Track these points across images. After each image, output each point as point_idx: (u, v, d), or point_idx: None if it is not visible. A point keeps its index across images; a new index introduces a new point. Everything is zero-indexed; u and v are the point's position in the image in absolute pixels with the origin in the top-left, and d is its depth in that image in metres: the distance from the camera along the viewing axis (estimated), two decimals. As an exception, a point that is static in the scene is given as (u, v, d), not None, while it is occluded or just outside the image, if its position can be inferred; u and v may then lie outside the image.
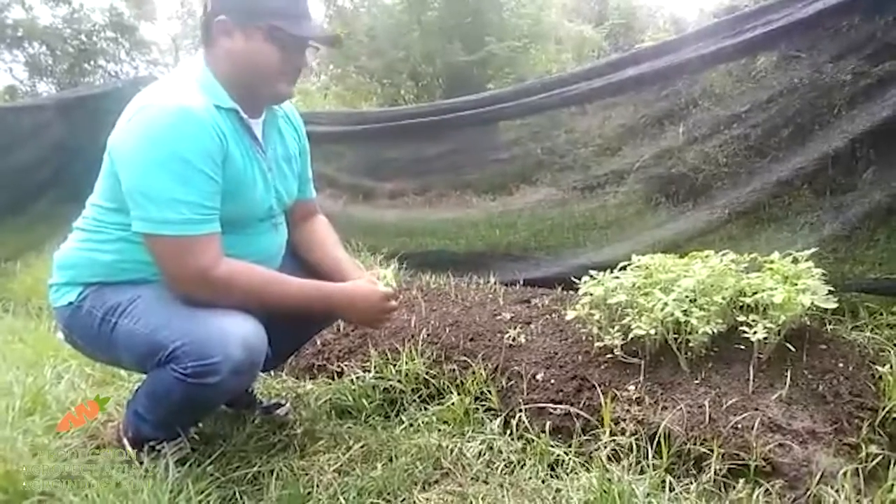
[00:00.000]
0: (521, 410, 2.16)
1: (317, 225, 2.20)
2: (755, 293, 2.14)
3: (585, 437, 2.03)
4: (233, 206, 1.80)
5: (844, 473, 1.70)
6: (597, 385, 2.12)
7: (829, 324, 2.42)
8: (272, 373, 2.64)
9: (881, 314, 2.53)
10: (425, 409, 2.33)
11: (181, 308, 1.74)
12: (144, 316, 1.76)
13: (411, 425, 2.23)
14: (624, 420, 2.00)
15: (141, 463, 1.82)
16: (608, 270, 2.41)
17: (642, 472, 1.82)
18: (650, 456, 1.85)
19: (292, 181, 2.07)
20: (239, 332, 1.69)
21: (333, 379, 2.62)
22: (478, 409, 2.25)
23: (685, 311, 2.09)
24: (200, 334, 1.67)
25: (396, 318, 2.67)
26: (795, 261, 2.25)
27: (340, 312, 1.98)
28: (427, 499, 1.81)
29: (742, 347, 2.12)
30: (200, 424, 2.09)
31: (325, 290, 1.90)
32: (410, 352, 2.49)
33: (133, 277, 1.82)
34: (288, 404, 2.35)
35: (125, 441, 1.90)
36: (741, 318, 2.10)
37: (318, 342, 2.79)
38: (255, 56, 1.79)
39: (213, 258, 1.71)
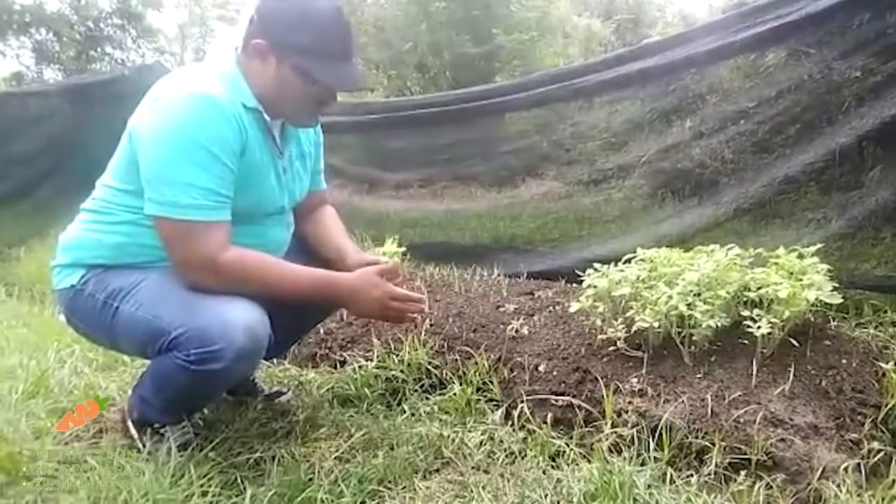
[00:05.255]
0: (522, 401, 2.16)
1: (324, 215, 2.20)
2: (760, 288, 2.14)
3: (587, 429, 2.03)
4: (245, 200, 1.80)
5: (846, 469, 1.70)
6: (599, 377, 2.12)
7: (834, 320, 2.41)
8: (275, 361, 2.65)
9: (885, 311, 2.53)
10: (427, 398, 2.34)
11: (184, 294, 1.73)
12: (146, 301, 1.76)
13: (413, 415, 2.23)
14: (626, 412, 2.00)
15: (144, 446, 1.83)
16: (613, 264, 2.41)
17: (643, 463, 1.82)
18: (651, 448, 1.86)
19: (305, 180, 2.08)
20: (241, 319, 1.68)
21: (336, 368, 2.62)
22: (480, 399, 2.26)
23: (689, 304, 2.09)
24: (203, 321, 1.67)
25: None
26: (801, 256, 2.25)
27: (344, 302, 1.94)
28: (427, 487, 1.81)
29: (745, 342, 2.12)
30: (205, 410, 2.10)
31: (329, 278, 1.88)
32: (413, 342, 2.50)
33: (137, 261, 1.82)
34: (290, 392, 2.35)
35: (129, 424, 1.91)
36: (745, 313, 2.10)
37: (322, 331, 2.79)
38: (283, 85, 1.80)
39: (220, 244, 1.71)
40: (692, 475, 1.78)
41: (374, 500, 1.75)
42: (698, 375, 2.04)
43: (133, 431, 1.88)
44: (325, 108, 1.89)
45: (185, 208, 1.67)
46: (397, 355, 2.47)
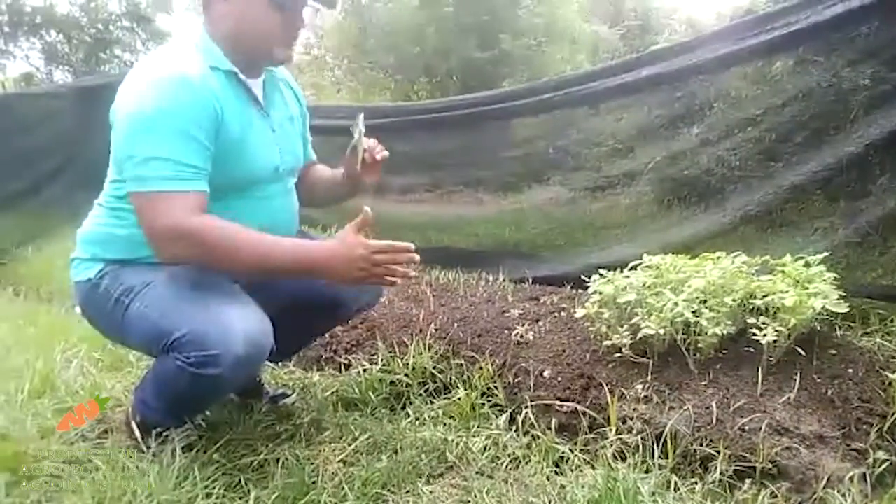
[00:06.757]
0: (527, 407, 2.16)
1: (314, 167, 2.25)
2: (766, 296, 2.14)
3: (591, 436, 2.02)
4: (236, 167, 1.80)
5: (851, 478, 1.70)
6: (604, 383, 2.11)
7: (840, 329, 2.40)
8: (279, 364, 2.65)
9: (892, 321, 2.51)
10: (431, 403, 2.34)
11: (191, 295, 1.73)
12: (155, 301, 1.76)
13: (417, 419, 2.23)
14: (630, 419, 1.99)
15: (148, 448, 1.83)
16: (618, 270, 2.41)
17: (648, 471, 1.82)
18: (656, 455, 1.85)
19: (297, 141, 2.08)
20: (241, 325, 1.67)
21: (340, 371, 2.62)
22: (484, 404, 2.25)
23: (695, 311, 2.08)
24: (203, 325, 1.66)
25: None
26: (807, 264, 2.24)
27: (325, 270, 1.73)
28: (431, 491, 1.81)
29: (751, 350, 2.11)
30: (208, 412, 2.10)
31: (305, 248, 1.77)
32: (418, 346, 2.49)
33: (150, 254, 1.79)
34: (295, 394, 2.36)
35: (133, 426, 1.90)
36: (751, 321, 2.09)
37: (327, 334, 2.79)
38: (251, 18, 1.79)
39: (185, 212, 1.66)
40: (696, 483, 1.78)
41: (377, 504, 1.76)
42: (703, 383, 2.04)
43: (137, 434, 1.88)
44: (296, 30, 1.87)
45: (151, 180, 1.65)
46: (402, 359, 2.47)
